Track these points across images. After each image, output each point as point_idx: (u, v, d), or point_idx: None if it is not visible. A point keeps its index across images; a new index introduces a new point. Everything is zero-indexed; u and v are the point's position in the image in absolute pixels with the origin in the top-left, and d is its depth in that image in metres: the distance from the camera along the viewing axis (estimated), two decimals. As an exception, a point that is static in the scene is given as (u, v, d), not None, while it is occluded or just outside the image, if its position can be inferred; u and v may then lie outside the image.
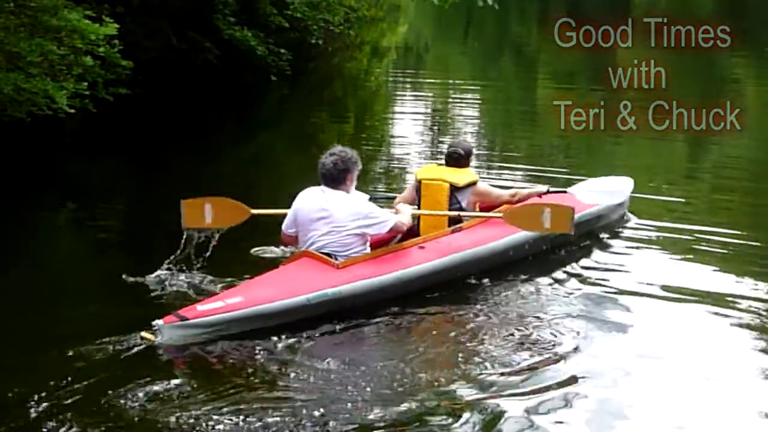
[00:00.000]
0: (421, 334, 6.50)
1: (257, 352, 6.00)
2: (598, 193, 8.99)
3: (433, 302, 7.02)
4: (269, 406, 5.24)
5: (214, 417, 5.10)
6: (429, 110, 17.93)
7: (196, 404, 5.24)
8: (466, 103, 18.30)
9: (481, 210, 8.26)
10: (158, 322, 6.07)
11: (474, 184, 8.19)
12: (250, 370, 5.75)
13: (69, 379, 5.47)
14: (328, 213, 7.16)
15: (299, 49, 19.24)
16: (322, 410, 5.22)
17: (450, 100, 18.89)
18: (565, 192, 8.93)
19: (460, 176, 8.19)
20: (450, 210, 8.03)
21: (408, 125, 16.28)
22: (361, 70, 23.05)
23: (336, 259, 7.03)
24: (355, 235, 7.18)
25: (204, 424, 5.03)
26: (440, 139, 14.97)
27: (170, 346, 6.00)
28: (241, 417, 5.11)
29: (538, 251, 8.12)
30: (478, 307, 6.92)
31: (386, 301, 6.90)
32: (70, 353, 5.78)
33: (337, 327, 6.46)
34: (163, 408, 5.20)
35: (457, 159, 8.32)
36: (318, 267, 6.89)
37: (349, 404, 5.32)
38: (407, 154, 13.81)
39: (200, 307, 6.24)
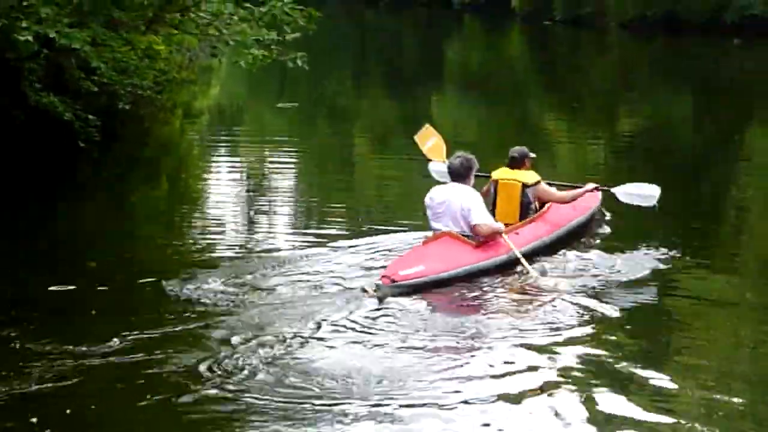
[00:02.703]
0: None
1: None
2: (632, 195, 10.87)
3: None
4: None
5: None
6: (244, 167, 17.87)
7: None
8: (282, 158, 18.26)
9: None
10: (378, 282, 8.99)
11: (539, 183, 10.65)
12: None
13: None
14: (448, 202, 9.84)
15: (108, 114, 18.74)
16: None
17: (265, 156, 18.86)
18: (608, 189, 11.01)
19: (529, 176, 10.59)
20: (521, 203, 10.55)
21: (223, 184, 16.19)
22: (173, 132, 22.68)
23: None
24: (463, 219, 9.77)
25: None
26: (257, 195, 14.82)
27: (382, 297, 8.88)
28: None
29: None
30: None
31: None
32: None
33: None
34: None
35: (513, 160, 10.69)
36: (461, 245, 9.73)
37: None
38: (223, 212, 13.66)
39: (401, 272, 9.12)
